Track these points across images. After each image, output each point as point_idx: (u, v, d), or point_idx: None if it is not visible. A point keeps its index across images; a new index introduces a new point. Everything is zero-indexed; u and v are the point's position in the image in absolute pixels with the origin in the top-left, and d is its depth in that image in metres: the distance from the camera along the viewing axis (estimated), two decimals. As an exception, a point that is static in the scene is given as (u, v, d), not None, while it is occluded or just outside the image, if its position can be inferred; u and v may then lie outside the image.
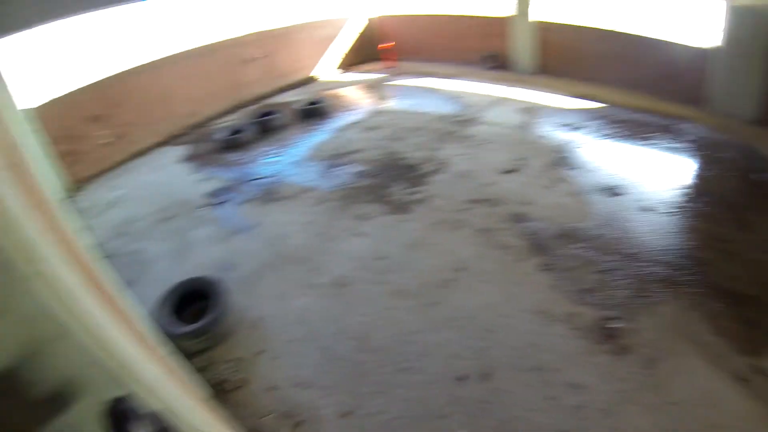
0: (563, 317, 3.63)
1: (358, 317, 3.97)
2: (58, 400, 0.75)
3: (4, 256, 0.67)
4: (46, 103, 8.59)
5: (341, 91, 10.55)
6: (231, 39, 10.98)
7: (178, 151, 9.47)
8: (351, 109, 9.18)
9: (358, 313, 4.02)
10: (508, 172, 5.59)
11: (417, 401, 3.16)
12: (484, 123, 7.34)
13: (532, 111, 7.73)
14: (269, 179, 7.02)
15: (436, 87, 9.88)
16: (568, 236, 4.48)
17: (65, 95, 8.88)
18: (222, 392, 3.68)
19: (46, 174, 8.19)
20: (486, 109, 7.96)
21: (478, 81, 9.76)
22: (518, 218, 4.68)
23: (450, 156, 6.30)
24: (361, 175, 6.36)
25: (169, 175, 8.49)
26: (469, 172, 5.75)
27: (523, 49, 9.70)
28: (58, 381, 0.74)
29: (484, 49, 10.52)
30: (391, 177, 6.08)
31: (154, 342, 3.26)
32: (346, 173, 6.52)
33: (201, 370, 3.87)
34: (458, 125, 7.36)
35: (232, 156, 8.39)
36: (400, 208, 5.32)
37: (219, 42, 10.83)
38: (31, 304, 0.68)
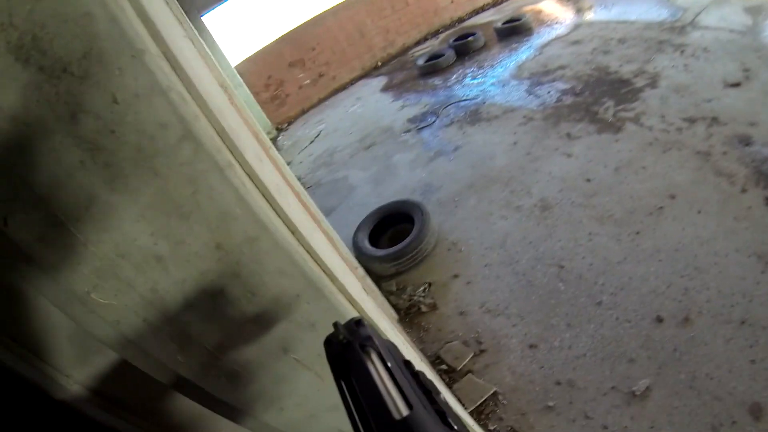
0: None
1: (559, 243, 3.91)
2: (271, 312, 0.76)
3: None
4: (250, 57, 10.02)
5: (541, 6, 9.91)
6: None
7: (377, 82, 10.11)
8: (553, 24, 8.64)
9: (559, 238, 3.95)
10: (732, 85, 4.74)
11: (607, 340, 3.05)
12: (703, 28, 6.28)
13: (763, 11, 6.41)
14: (472, 101, 7.09)
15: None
16: (804, 165, 3.73)
17: (265, 47, 10.20)
18: (411, 316, 4.03)
19: (257, 117, 9.62)
20: (705, 11, 6.74)
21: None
22: (743, 141, 4.03)
23: (664, 68, 5.61)
24: (567, 92, 6.05)
25: (369, 106, 9.17)
26: (685, 86, 5.08)
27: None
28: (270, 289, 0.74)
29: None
30: (599, 93, 5.65)
31: (352, 262, 3.80)
32: (551, 91, 6.26)
33: (392, 293, 4.27)
34: (672, 32, 6.43)
35: (433, 81, 8.61)
36: (609, 126, 4.96)
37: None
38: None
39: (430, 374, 2.54)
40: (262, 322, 0.74)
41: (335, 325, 0.57)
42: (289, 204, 0.77)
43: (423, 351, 3.68)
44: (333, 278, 0.83)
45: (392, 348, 0.62)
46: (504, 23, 8.99)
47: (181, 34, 1.16)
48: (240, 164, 0.66)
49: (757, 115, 4.22)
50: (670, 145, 4.32)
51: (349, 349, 0.54)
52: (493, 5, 11.36)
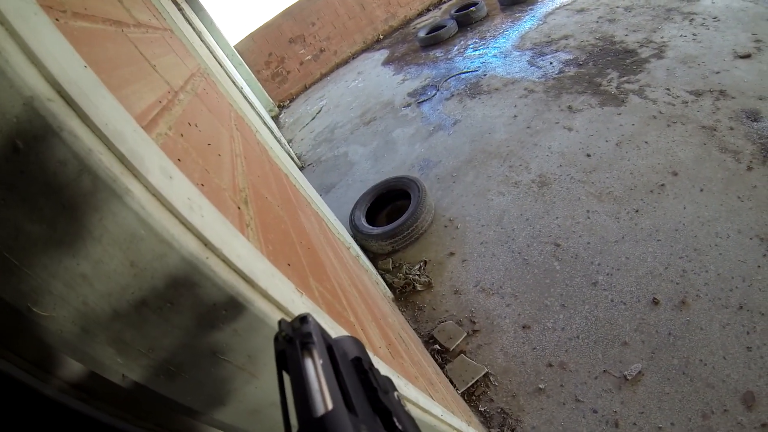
0: (791, 249, 2.91)
1: (556, 220, 3.79)
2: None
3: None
4: (250, 34, 9.86)
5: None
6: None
7: (379, 55, 9.92)
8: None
9: (556, 215, 3.84)
10: (743, 57, 4.51)
11: (601, 322, 2.96)
12: None
13: None
14: (473, 73, 6.90)
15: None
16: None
17: (265, 24, 10.04)
18: (406, 294, 3.94)
19: (258, 95, 9.53)
20: None
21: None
22: (751, 116, 3.81)
23: (672, 37, 5.37)
24: (570, 63, 5.84)
25: (371, 80, 9.00)
26: (693, 57, 4.85)
27: None
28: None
29: None
30: (603, 64, 5.42)
31: (344, 241, 3.73)
32: (554, 62, 6.06)
33: (389, 271, 4.18)
34: (682, 0, 6.16)
35: (434, 53, 8.42)
36: (612, 99, 4.76)
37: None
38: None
39: (419, 358, 2.46)
40: (185, 328, 0.80)
41: (279, 322, 0.59)
42: (203, 216, 0.82)
43: (417, 330, 3.61)
44: (253, 284, 0.87)
45: (349, 345, 0.63)
46: (506, -8, 8.67)
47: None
48: (143, 185, 0.71)
49: (767, 90, 3.98)
50: (674, 120, 4.13)
51: (289, 345, 0.55)
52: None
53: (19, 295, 0.68)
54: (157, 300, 0.73)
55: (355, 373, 0.57)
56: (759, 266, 2.80)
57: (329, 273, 1.77)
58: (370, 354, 1.26)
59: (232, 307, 0.82)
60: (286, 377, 0.54)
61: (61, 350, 0.74)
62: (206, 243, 0.77)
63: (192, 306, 0.77)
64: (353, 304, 1.78)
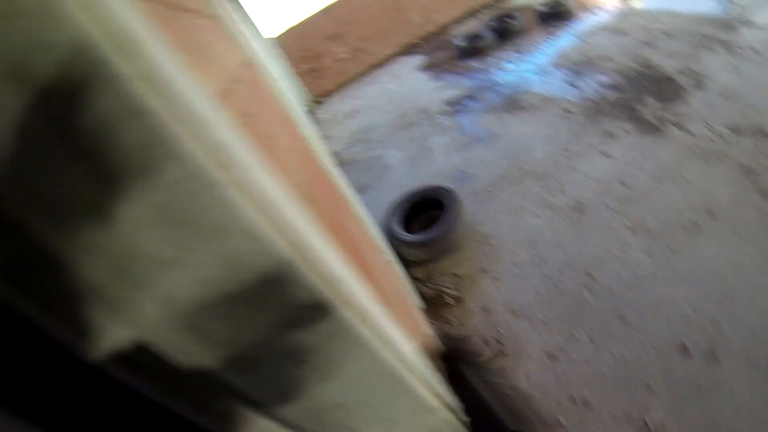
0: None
1: (590, 249, 3.81)
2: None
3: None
4: (289, 30, 9.94)
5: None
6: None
7: (415, 60, 9.92)
8: (597, 10, 8.28)
9: (590, 243, 3.85)
10: None
11: (628, 361, 2.96)
12: (758, 27, 5.88)
13: None
14: (510, 87, 6.90)
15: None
16: None
17: (304, 20, 10.10)
18: (435, 306, 4.00)
19: (292, 90, 9.57)
20: (761, 8, 6.31)
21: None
22: None
23: (712, 68, 5.31)
24: (608, 85, 5.80)
25: (407, 84, 9.02)
26: (735, 91, 4.78)
27: None
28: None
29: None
30: (641, 90, 5.40)
31: (381, 247, 3.78)
32: (592, 83, 6.04)
33: (420, 280, 4.25)
34: (723, 29, 6.07)
35: (471, 63, 8.39)
36: (651, 128, 4.75)
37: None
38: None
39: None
40: (270, 325, 0.81)
41: None
42: (294, 212, 0.84)
43: (446, 344, 3.68)
44: (338, 289, 0.89)
45: None
46: (546, 6, 8.65)
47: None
48: (232, 178, 0.70)
49: (815, 132, 3.95)
50: (712, 156, 4.14)
51: None
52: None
53: (94, 273, 0.68)
54: (247, 294, 0.74)
55: None
56: (795, 324, 2.79)
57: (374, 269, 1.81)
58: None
59: (318, 311, 0.83)
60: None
61: (134, 329, 0.75)
62: (297, 244, 0.77)
63: (280, 305, 0.79)
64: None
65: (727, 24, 6.24)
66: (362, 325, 1.05)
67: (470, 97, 7.13)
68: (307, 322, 0.84)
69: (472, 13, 10.93)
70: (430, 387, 1.67)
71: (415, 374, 1.44)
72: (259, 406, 0.98)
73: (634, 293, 3.36)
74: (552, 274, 3.81)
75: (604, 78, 6.05)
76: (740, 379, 2.66)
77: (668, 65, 5.73)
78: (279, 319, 0.81)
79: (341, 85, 10.71)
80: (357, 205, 3.32)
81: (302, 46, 10.16)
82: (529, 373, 3.20)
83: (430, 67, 9.14)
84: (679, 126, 4.65)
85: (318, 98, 10.56)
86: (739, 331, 2.88)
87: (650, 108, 5.11)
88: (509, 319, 3.64)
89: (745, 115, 4.43)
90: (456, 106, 7.11)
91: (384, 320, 1.27)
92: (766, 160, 3.89)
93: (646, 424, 2.67)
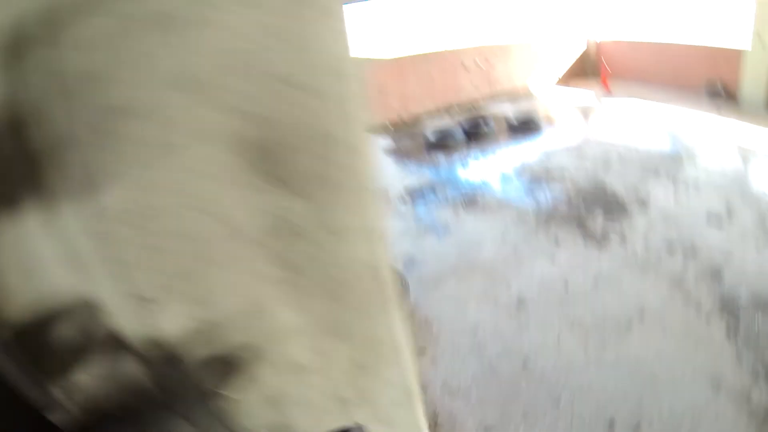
0: (737, 394, 3.32)
1: (529, 339, 4.13)
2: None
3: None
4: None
5: (553, 110, 10.73)
6: (451, 50, 11.92)
7: (384, 143, 10.48)
8: (561, 130, 9.33)
9: (529, 334, 4.19)
10: (714, 222, 5.30)
11: None
12: (697, 164, 6.98)
13: (754, 155, 7.05)
14: (471, 187, 7.52)
15: (650, 115, 9.56)
16: (768, 307, 4.13)
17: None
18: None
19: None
20: (702, 148, 7.59)
21: (698, 111, 9.13)
22: (715, 276, 4.43)
23: (655, 194, 6.16)
24: (563, 199, 6.51)
25: (372, 165, 9.53)
26: (671, 215, 5.58)
27: (754, 82, 8.87)
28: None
29: (708, 78, 9.78)
30: (591, 206, 6.12)
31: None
32: (548, 194, 6.73)
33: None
34: (669, 163, 7.12)
35: (438, 157, 9.08)
36: (596, 239, 5.35)
37: (439, 51, 11.85)
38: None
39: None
40: None
41: None
42: None
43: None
44: None
45: None
46: (516, 118, 9.59)
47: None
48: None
49: (731, 255, 4.63)
50: (648, 267, 4.68)
51: None
52: (511, 97, 12.16)
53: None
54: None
55: None
56: (707, 405, 3.21)
57: None
58: None
59: None
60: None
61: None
62: None
63: None
64: None
65: (675, 158, 7.23)
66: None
67: (431, 189, 7.63)
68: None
69: (446, 110, 11.75)
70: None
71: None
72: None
73: (567, 378, 3.67)
74: (490, 359, 4.05)
75: (559, 192, 6.73)
76: None
77: (618, 187, 6.48)
78: None
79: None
80: None
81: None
82: (466, 451, 3.35)
83: (398, 153, 9.71)
84: (622, 240, 5.22)
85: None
86: (659, 410, 3.25)
87: (598, 222, 5.71)
88: (445, 398, 3.80)
89: (680, 235, 5.07)
90: (415, 194, 7.56)
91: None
92: (691, 274, 4.48)
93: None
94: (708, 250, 4.79)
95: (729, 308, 4.01)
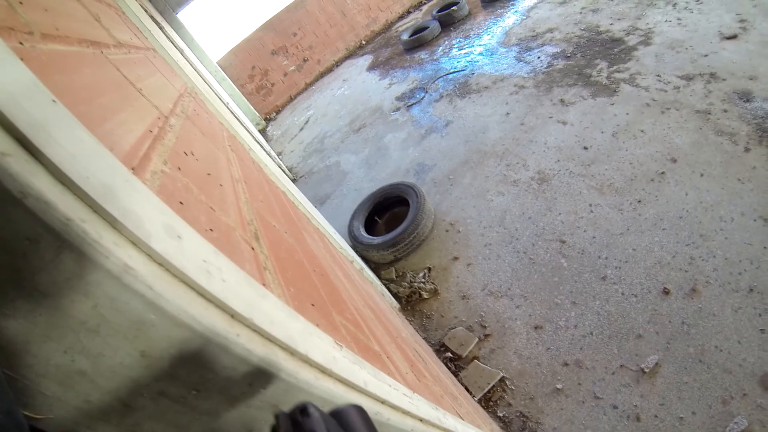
0: (796, 227, 2.96)
1: (559, 216, 3.84)
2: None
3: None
4: (232, 49, 9.97)
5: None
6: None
7: (363, 61, 10.00)
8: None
9: (559, 211, 3.89)
10: (729, 38, 4.60)
11: (613, 316, 3.00)
12: None
13: None
14: (460, 73, 6.99)
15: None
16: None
17: (247, 38, 10.17)
18: (412, 303, 3.98)
19: (245, 110, 9.55)
20: None
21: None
22: (743, 96, 3.88)
23: (657, 23, 5.46)
24: (558, 56, 5.93)
25: (357, 86, 9.05)
26: (680, 42, 4.93)
27: None
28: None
29: None
30: (591, 55, 5.51)
31: (348, 256, 3.71)
32: (541, 56, 6.15)
33: (392, 281, 4.21)
34: None
35: (419, 55, 8.50)
36: (604, 89, 4.84)
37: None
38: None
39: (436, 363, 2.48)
40: (215, 413, 0.70)
41: (276, 416, 0.51)
42: (224, 281, 0.69)
43: (427, 340, 3.64)
44: (293, 351, 0.77)
45: (355, 420, 0.57)
46: (486, -11, 8.79)
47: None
48: (146, 255, 0.57)
49: (757, 68, 4.07)
50: (668, 106, 4.20)
51: None
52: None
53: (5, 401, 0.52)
54: (178, 389, 0.64)
55: None
56: (765, 247, 2.86)
57: (345, 299, 1.72)
58: (401, 385, 1.26)
59: (270, 382, 0.71)
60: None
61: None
62: (233, 314, 0.66)
63: (223, 389, 0.67)
64: (373, 329, 1.73)
65: (666, -21, 6.42)
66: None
67: (422, 89, 7.18)
68: (260, 396, 0.72)
69: (416, 6, 11.10)
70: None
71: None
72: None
73: (610, 250, 3.38)
74: (525, 248, 3.80)
75: (552, 49, 6.15)
76: (722, 305, 2.74)
77: (615, 27, 5.85)
78: (224, 403, 0.71)
79: (291, 99, 10.73)
80: (317, 219, 3.21)
81: (248, 65, 10.16)
82: (519, 350, 3.19)
83: (379, 66, 9.22)
84: (632, 83, 4.72)
85: (269, 115, 10.54)
86: (714, 263, 2.95)
87: (602, 71, 5.19)
88: (489, 301, 3.62)
89: (694, 62, 4.53)
90: (408, 100, 7.16)
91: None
92: (717, 101, 3.97)
93: (642, 369, 2.69)
94: (729, 69, 4.24)
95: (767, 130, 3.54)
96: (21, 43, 0.74)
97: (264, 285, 0.91)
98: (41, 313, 0.52)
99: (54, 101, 0.59)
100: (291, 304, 0.97)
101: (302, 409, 0.51)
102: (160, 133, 1.10)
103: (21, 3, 0.87)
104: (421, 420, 1.18)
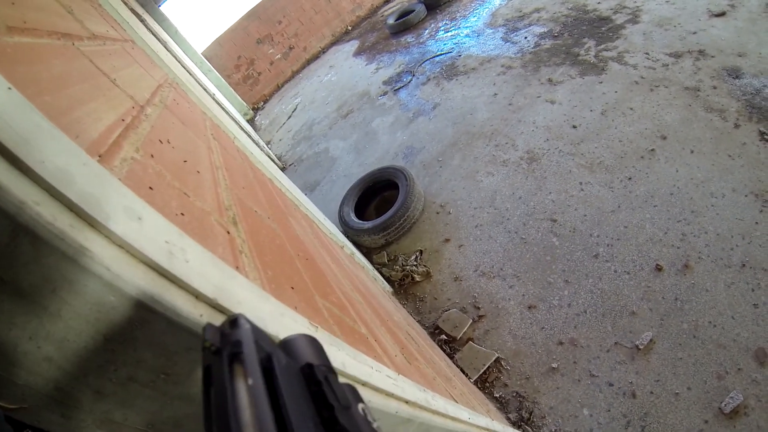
0: (785, 203, 2.94)
1: (550, 195, 3.80)
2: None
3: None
4: (217, 39, 9.80)
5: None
6: None
7: (349, 47, 9.88)
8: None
9: (549, 190, 3.84)
10: (717, 15, 4.55)
11: (606, 294, 2.97)
12: None
13: None
14: (447, 55, 6.89)
15: None
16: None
17: (230, 28, 10.01)
18: (405, 286, 3.93)
19: (231, 100, 9.42)
20: None
21: None
22: (732, 73, 3.84)
23: (645, 1, 5.40)
24: (545, 35, 5.85)
25: (344, 72, 8.94)
26: (668, 19, 4.86)
27: None
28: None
29: None
30: (578, 34, 5.44)
31: (338, 241, 3.67)
32: (528, 36, 6.07)
33: (384, 264, 4.17)
34: None
35: (405, 39, 8.39)
36: (592, 68, 4.78)
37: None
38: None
39: (425, 346, 2.45)
40: (188, 397, 0.69)
41: (204, 329, 0.47)
42: (188, 261, 0.67)
43: (421, 322, 3.61)
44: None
45: (302, 347, 0.53)
46: (473, -30, 8.64)
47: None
48: (104, 237, 0.57)
49: (745, 45, 4.03)
50: (657, 83, 4.16)
51: (216, 358, 0.45)
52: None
53: None
54: (147, 374, 0.64)
55: (306, 385, 0.48)
56: (757, 222, 2.84)
57: (332, 282, 1.70)
58: (384, 367, 1.23)
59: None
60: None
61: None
62: (197, 295, 0.66)
63: (191, 372, 0.68)
64: (360, 312, 1.72)
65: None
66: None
67: (408, 72, 7.09)
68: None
69: (400, -11, 10.97)
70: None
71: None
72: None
73: (601, 228, 3.35)
74: (516, 228, 3.76)
75: (539, 29, 6.07)
76: (715, 280, 2.72)
77: (602, 6, 5.79)
78: (196, 387, 0.70)
79: (278, 87, 10.60)
80: (305, 206, 3.18)
81: (234, 55, 10.01)
82: (513, 330, 3.17)
83: (365, 51, 9.10)
84: (620, 61, 4.67)
85: (256, 104, 10.40)
86: (706, 239, 2.93)
87: (589, 49, 5.12)
88: (482, 282, 3.58)
89: (682, 39, 4.48)
90: (395, 84, 7.06)
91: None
92: (706, 77, 3.93)
93: (636, 346, 2.67)
94: (718, 46, 4.19)
95: (757, 107, 3.50)
96: (-16, 36, 0.74)
97: (238, 268, 0.89)
98: (3, 300, 0.51)
99: (9, 89, 0.58)
100: (267, 287, 0.96)
101: (232, 321, 0.48)
102: (133, 121, 1.09)
103: (-14, -3, 0.85)
104: (407, 402, 1.17)
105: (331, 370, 0.51)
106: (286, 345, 0.53)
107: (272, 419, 0.39)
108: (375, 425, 0.47)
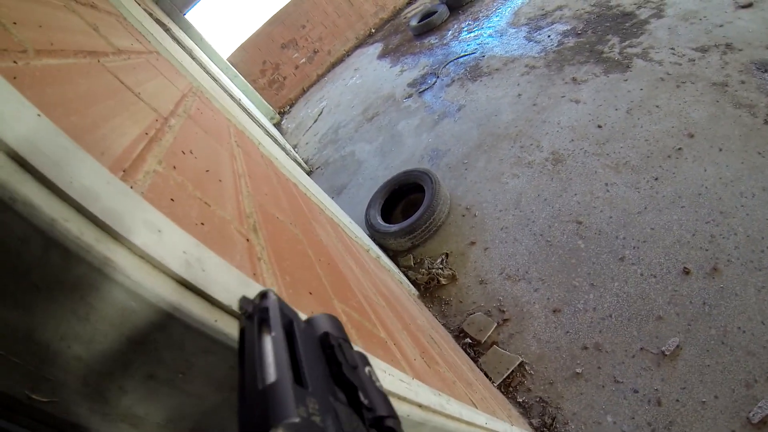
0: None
1: (575, 197, 3.75)
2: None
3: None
4: (242, 45, 9.93)
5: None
6: None
7: (373, 49, 9.90)
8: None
9: (574, 191, 3.80)
10: (744, 6, 4.40)
11: (632, 298, 2.92)
12: None
13: None
14: (471, 56, 6.84)
15: None
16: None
17: (255, 34, 10.13)
18: (430, 289, 3.94)
19: (258, 105, 9.54)
20: None
21: None
22: (762, 67, 3.71)
23: (669, -5, 5.24)
24: (568, 33, 5.76)
25: (368, 75, 8.97)
26: (694, 12, 4.74)
27: None
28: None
29: None
30: (602, 31, 5.34)
31: (364, 244, 3.69)
32: (551, 34, 5.99)
33: (410, 268, 4.16)
34: None
35: (429, 40, 8.36)
36: (617, 65, 4.69)
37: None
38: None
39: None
40: (202, 395, 0.75)
41: (240, 300, 0.55)
42: (204, 270, 0.73)
43: (446, 326, 3.61)
44: None
45: (323, 322, 0.60)
46: (496, -31, 8.56)
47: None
48: (126, 249, 0.62)
49: (775, 36, 3.88)
50: (683, 79, 4.06)
51: (248, 322, 0.52)
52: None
53: (14, 383, 0.63)
54: (166, 372, 0.69)
55: (321, 347, 0.55)
56: (789, 222, 2.74)
57: (353, 287, 1.72)
58: (396, 370, 1.25)
59: None
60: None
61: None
62: (212, 302, 0.70)
63: (206, 372, 0.72)
64: (381, 316, 1.73)
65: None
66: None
67: (433, 74, 7.08)
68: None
69: (423, -9, 10.95)
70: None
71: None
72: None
73: (627, 230, 3.29)
74: (541, 230, 3.73)
75: (563, 27, 5.99)
76: (744, 284, 2.63)
77: (626, 1, 5.67)
78: (210, 386, 0.77)
79: (304, 91, 10.69)
80: (331, 210, 3.20)
81: (259, 60, 10.14)
82: (538, 334, 3.14)
83: (389, 53, 9.10)
84: (645, 58, 4.58)
85: (282, 108, 10.52)
86: (735, 240, 2.84)
87: (614, 46, 5.04)
88: (507, 285, 3.56)
89: (708, 32, 4.36)
90: (419, 86, 7.06)
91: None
92: (734, 72, 3.81)
93: (663, 352, 2.62)
94: (745, 39, 4.06)
95: (789, 100, 3.37)
96: (15, 62, 0.79)
97: (255, 274, 0.95)
98: (37, 305, 0.57)
99: (39, 115, 0.63)
100: (284, 293, 1.01)
101: (263, 294, 0.55)
102: (157, 134, 1.14)
103: (15, 23, 0.91)
104: (420, 406, 1.20)
105: (346, 340, 0.57)
106: (311, 321, 0.59)
107: (288, 360, 0.45)
108: (378, 384, 0.53)
